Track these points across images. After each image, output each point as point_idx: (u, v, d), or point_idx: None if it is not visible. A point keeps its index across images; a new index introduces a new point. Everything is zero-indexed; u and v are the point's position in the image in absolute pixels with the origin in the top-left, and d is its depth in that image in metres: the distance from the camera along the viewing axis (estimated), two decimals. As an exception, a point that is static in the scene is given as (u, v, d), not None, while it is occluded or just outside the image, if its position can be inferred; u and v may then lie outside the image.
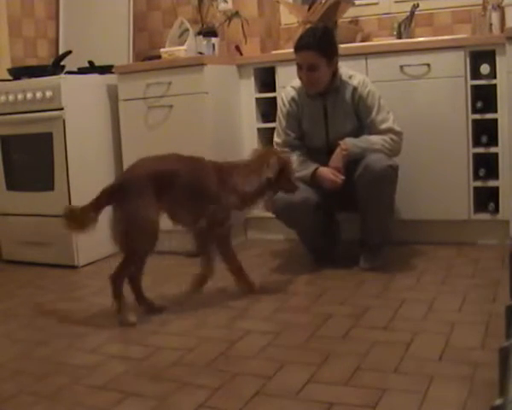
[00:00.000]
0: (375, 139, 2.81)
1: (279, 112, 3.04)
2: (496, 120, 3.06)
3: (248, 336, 2.20)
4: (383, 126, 2.83)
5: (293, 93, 2.97)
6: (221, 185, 2.52)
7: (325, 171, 2.81)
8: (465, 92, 3.07)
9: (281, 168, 2.58)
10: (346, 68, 2.92)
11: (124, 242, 2.41)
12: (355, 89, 2.86)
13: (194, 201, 2.51)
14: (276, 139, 3.03)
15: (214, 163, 2.59)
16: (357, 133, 2.87)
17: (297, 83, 2.96)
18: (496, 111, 3.05)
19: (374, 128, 2.85)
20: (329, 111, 2.90)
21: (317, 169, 2.84)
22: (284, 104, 2.99)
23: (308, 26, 3.34)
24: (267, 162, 2.57)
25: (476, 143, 3.13)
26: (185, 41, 3.57)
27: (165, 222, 3.47)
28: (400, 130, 2.84)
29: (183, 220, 2.60)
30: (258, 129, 3.60)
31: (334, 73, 2.86)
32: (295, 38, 2.95)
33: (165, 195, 2.43)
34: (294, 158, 2.90)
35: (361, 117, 2.89)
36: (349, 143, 2.81)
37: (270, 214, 2.98)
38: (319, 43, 2.78)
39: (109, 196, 2.40)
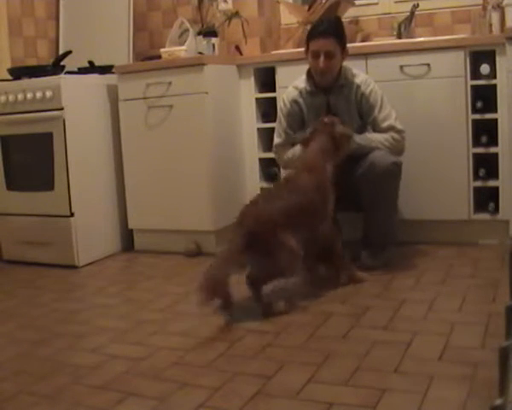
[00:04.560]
0: (376, 137, 2.82)
1: (279, 113, 3.04)
2: (496, 120, 3.06)
3: (248, 336, 2.20)
4: (385, 124, 2.84)
5: (294, 94, 2.96)
6: (321, 186, 2.57)
7: None
8: (465, 92, 3.08)
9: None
10: (350, 67, 2.93)
11: (273, 274, 2.43)
12: (358, 87, 2.87)
13: (312, 216, 2.53)
14: (276, 140, 3.03)
15: (304, 173, 2.58)
16: (360, 132, 2.87)
17: (299, 83, 2.96)
18: (496, 111, 3.05)
19: (376, 126, 2.86)
20: (332, 108, 2.90)
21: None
22: (285, 104, 2.99)
23: (309, 25, 3.33)
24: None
25: (476, 143, 3.13)
26: (185, 41, 3.57)
27: (164, 222, 3.50)
28: (402, 128, 2.85)
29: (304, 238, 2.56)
30: (258, 129, 3.59)
31: (340, 70, 2.87)
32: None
33: (288, 229, 2.40)
34: (296, 149, 2.92)
35: (364, 115, 2.89)
36: None
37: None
38: (336, 31, 2.82)
39: (245, 250, 2.34)
